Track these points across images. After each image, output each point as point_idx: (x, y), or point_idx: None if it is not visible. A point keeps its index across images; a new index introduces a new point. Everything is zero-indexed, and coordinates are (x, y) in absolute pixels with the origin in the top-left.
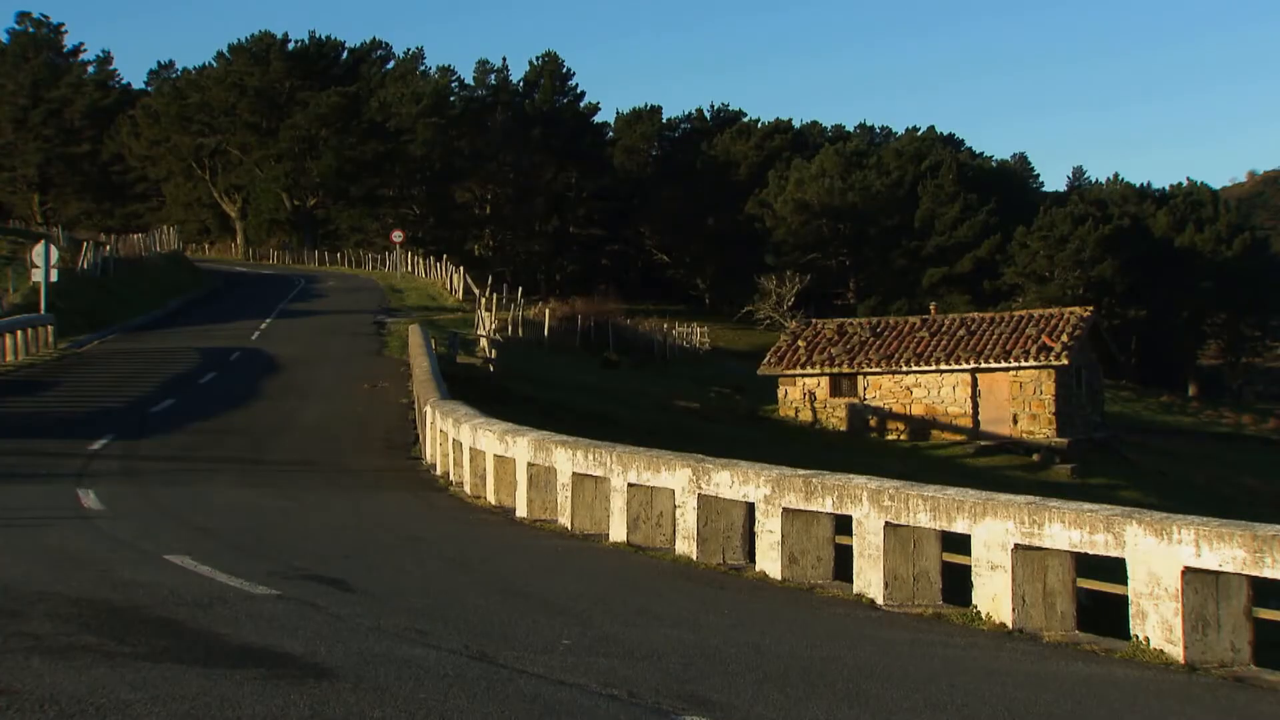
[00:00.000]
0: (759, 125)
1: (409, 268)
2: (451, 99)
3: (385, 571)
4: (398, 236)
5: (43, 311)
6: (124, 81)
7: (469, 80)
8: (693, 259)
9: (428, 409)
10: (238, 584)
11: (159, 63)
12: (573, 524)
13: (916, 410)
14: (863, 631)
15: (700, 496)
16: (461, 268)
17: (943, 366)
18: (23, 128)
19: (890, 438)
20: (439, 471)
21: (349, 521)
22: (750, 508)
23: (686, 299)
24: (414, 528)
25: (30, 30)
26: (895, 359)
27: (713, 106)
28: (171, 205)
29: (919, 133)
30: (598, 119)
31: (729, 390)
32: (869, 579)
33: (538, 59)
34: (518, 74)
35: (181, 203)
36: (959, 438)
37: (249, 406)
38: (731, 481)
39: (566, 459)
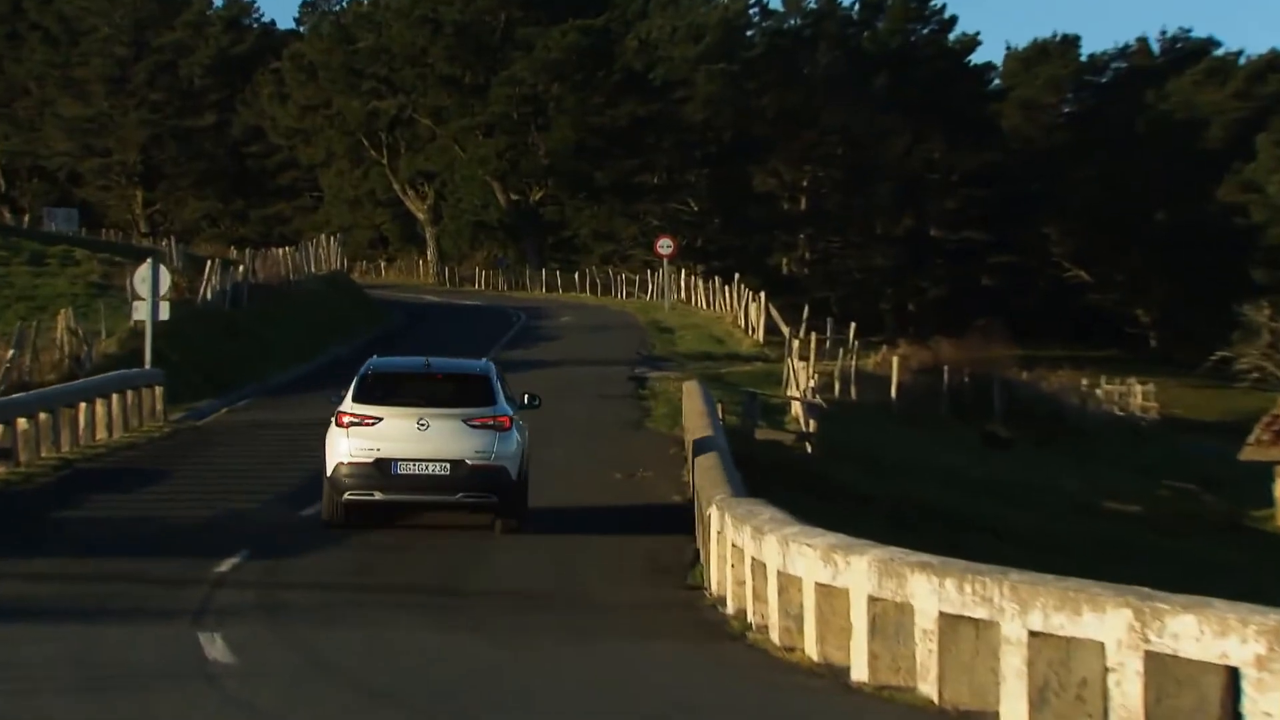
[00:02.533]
0: (1240, 62)
1: (682, 294)
2: (749, 33)
3: None
4: (666, 247)
5: (147, 365)
6: (265, 19)
7: (774, 5)
8: (1128, 277)
9: (712, 511)
10: None
11: None
12: (941, 693)
13: None
14: None
15: (1147, 655)
16: (763, 294)
17: None
18: (120, 90)
19: None
20: (730, 608)
21: (591, 688)
22: (1233, 675)
23: (1118, 339)
24: (694, 699)
25: None
26: None
27: (1163, 35)
28: (332, 204)
29: None
30: (976, 59)
31: (1191, 485)
32: None
33: None
34: None
35: (346, 200)
36: None
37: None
38: (1200, 632)
39: (929, 591)
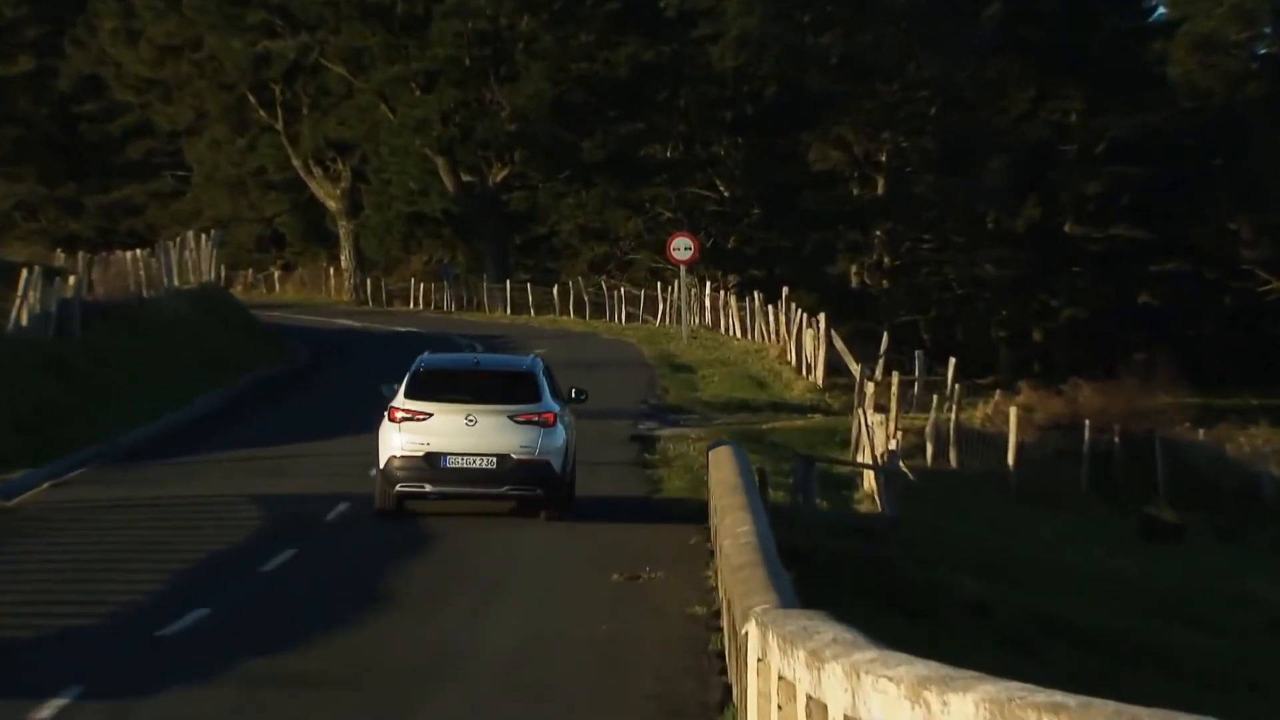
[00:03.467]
0: None
1: (707, 316)
2: None
3: None
4: (684, 249)
5: None
6: None
7: None
8: None
9: (750, 629)
10: None
11: None
12: None
13: None
14: None
15: None
16: (823, 316)
17: None
18: None
19: None
20: None
21: None
22: None
23: None
24: None
25: None
26: None
27: None
28: (204, 187)
29: None
30: None
31: None
32: None
33: None
34: None
35: (224, 181)
36: None
37: (367, 621)
38: None
39: None
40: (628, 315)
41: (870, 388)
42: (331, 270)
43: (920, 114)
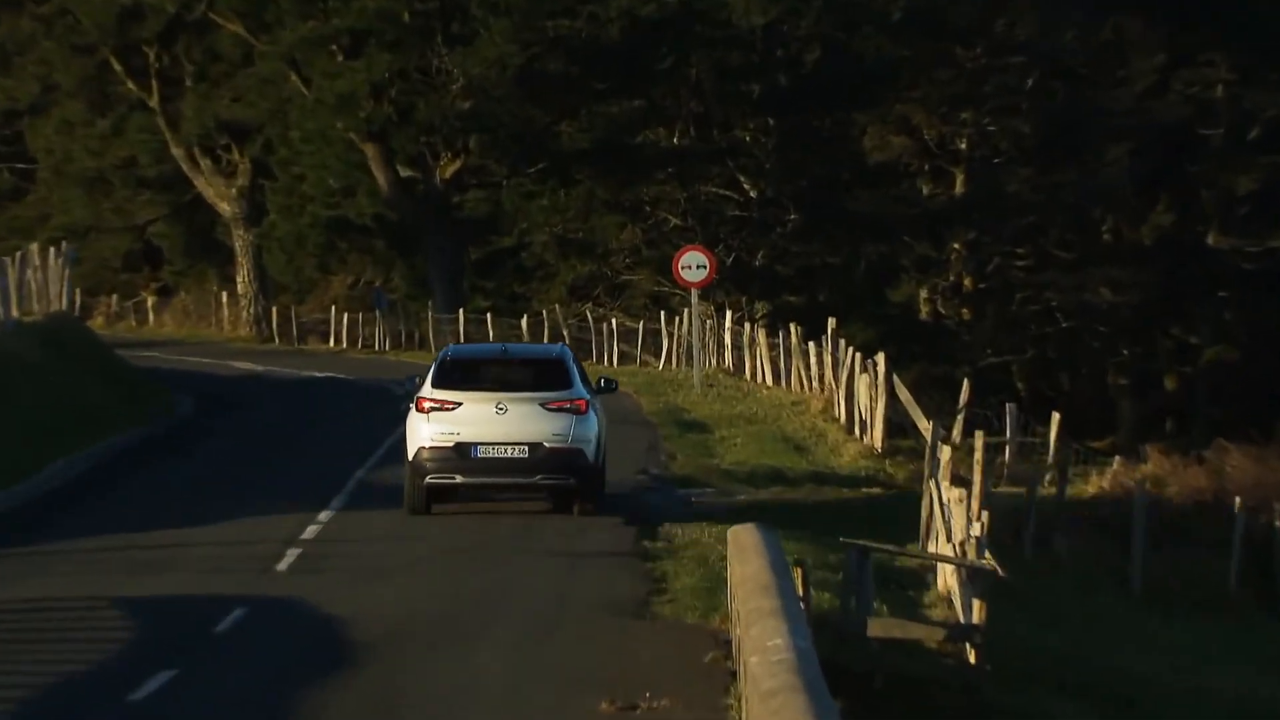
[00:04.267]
0: None
1: (727, 356)
2: None
3: None
4: (695, 268)
5: None
6: None
7: None
8: None
9: None
10: None
11: None
12: None
13: None
14: None
15: None
16: (881, 358)
17: None
18: None
19: None
20: None
21: None
22: None
23: None
24: None
25: None
26: None
27: None
28: (54, 186)
29: None
30: None
31: None
32: None
33: None
34: None
35: (81, 177)
36: None
37: None
38: None
39: None
40: (621, 355)
41: (946, 453)
42: (225, 296)
43: (1012, 87)
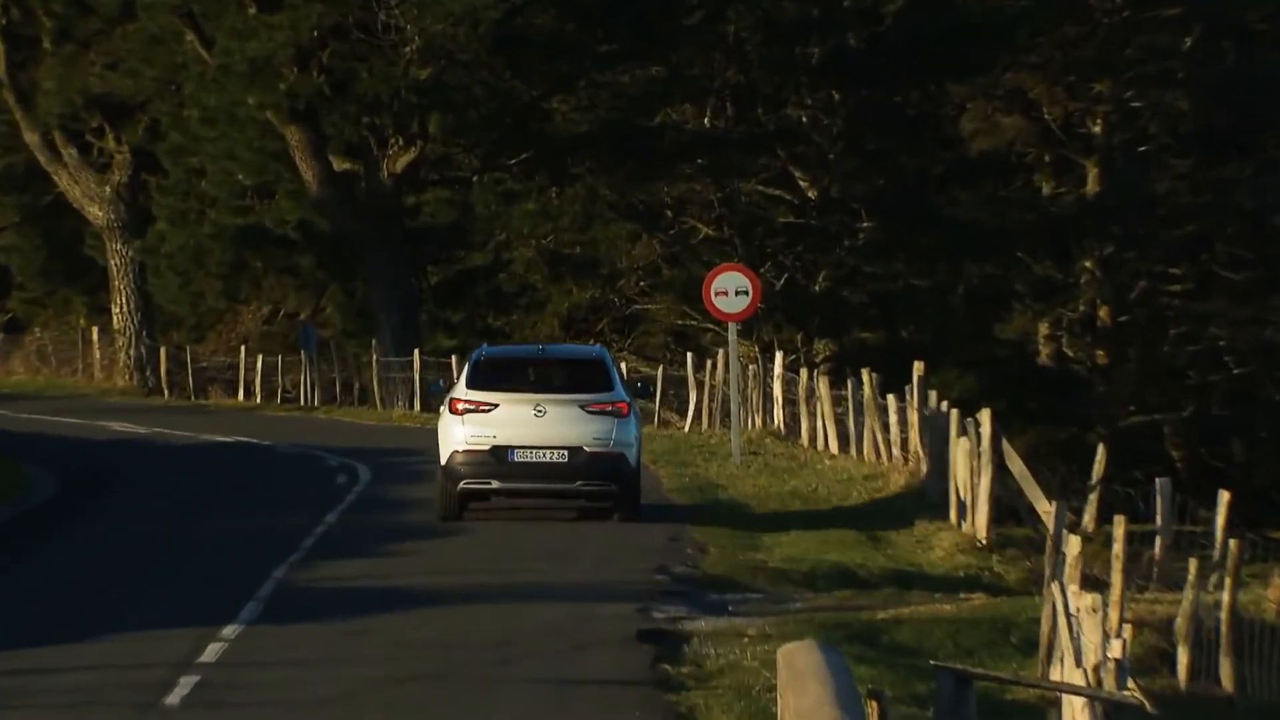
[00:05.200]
0: None
1: (771, 413)
2: None
3: None
4: (733, 294)
5: None
6: None
7: None
8: None
9: None
10: None
11: None
12: None
13: None
14: None
15: None
16: (985, 417)
17: None
18: None
19: None
20: None
21: None
22: None
23: None
24: None
25: None
26: None
27: None
28: None
29: None
30: None
31: None
32: None
33: None
34: None
35: None
36: None
37: None
38: None
39: None
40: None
41: (1074, 545)
42: (95, 333)
43: (1165, 48)
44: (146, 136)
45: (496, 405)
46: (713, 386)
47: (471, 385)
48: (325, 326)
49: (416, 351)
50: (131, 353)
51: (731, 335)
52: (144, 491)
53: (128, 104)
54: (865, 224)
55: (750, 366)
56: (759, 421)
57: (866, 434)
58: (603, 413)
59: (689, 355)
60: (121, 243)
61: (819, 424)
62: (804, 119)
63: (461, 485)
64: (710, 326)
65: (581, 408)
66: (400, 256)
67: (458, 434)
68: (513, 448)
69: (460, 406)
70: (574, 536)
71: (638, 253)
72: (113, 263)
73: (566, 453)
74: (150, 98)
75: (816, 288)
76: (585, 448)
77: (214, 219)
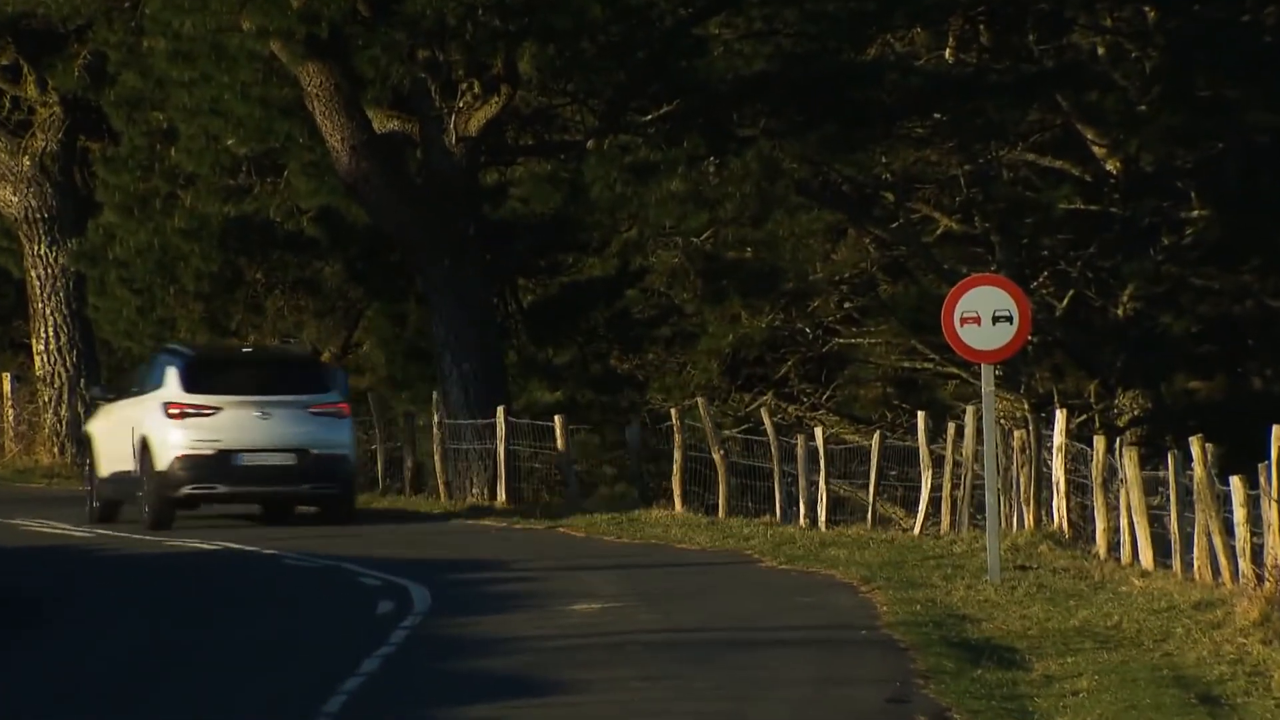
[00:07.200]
0: None
1: (1051, 504)
2: None
3: None
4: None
5: None
6: None
7: None
8: None
9: None
10: None
11: None
12: None
13: None
14: None
15: None
16: None
17: None
18: None
19: None
20: None
21: None
22: None
23: None
24: None
25: None
26: None
27: None
28: None
29: None
30: None
31: None
32: None
33: None
34: None
35: None
36: None
37: None
38: None
39: None
40: (831, 502)
41: None
42: (5, 383)
43: None
44: (86, 80)
45: (219, 409)
46: (957, 464)
47: (190, 389)
48: (360, 372)
49: (500, 411)
50: (62, 413)
51: (987, 384)
52: (81, 629)
53: (56, 30)
54: (1196, 212)
55: (1016, 433)
56: (1029, 519)
57: (1198, 538)
58: (325, 414)
59: (920, 415)
60: (47, 244)
61: (1122, 522)
62: (1101, 50)
63: (185, 491)
64: (953, 370)
65: (305, 409)
66: (475, 264)
67: (175, 438)
68: (239, 451)
69: (175, 410)
70: (734, 698)
71: (841, 258)
72: (33, 274)
73: (294, 455)
74: (92, 19)
75: (1120, 311)
76: (311, 450)
77: (190, 207)
